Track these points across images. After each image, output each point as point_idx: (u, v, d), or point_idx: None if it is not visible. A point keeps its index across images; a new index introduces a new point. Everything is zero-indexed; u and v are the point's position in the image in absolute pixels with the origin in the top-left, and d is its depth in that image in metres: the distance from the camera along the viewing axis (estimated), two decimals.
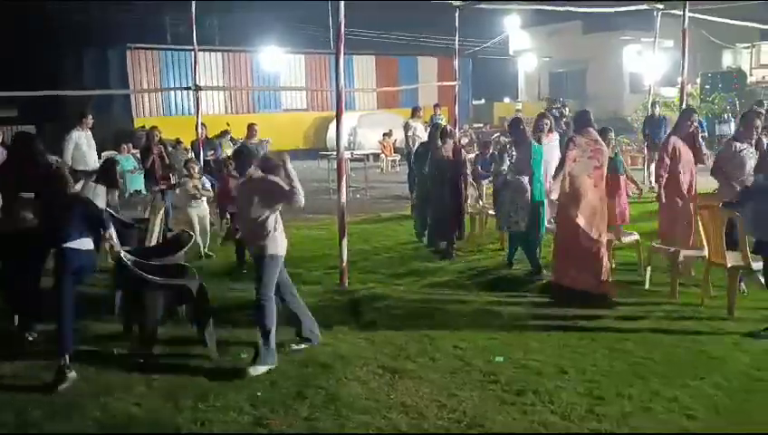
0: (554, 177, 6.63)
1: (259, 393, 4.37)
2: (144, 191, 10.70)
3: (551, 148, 8.11)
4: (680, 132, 6.98)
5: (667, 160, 6.80)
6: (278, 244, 4.95)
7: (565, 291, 6.45)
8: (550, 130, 8.13)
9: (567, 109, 14.66)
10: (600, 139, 6.62)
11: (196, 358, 5.00)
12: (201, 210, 8.44)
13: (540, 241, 7.35)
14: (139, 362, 4.93)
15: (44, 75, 19.97)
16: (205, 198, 8.49)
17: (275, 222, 4.93)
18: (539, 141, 7.65)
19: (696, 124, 7.07)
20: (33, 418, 4.15)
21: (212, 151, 11.60)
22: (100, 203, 6.85)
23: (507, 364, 4.77)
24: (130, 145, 14.95)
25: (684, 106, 9.01)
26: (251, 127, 11.28)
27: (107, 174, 7.12)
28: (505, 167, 7.23)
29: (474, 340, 5.25)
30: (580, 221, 6.41)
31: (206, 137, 11.72)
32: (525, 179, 7.12)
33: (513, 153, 7.20)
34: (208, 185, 8.74)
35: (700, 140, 7.17)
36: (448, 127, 8.68)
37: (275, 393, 4.38)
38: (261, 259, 4.89)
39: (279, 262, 4.96)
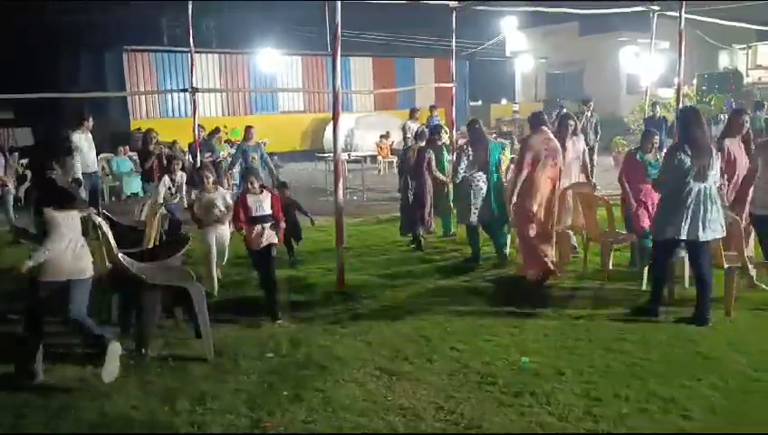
0: (514, 182, 6.93)
1: (256, 398, 4.37)
2: (141, 193, 10.69)
3: (578, 144, 8.12)
4: (734, 133, 6.51)
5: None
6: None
7: (528, 280, 6.92)
8: (574, 132, 7.83)
9: (565, 110, 14.69)
10: (553, 138, 6.98)
11: (193, 360, 4.99)
12: (222, 235, 6.85)
13: (504, 235, 7.88)
14: (135, 364, 4.91)
15: (41, 77, 19.90)
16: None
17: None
18: (563, 142, 7.30)
19: (747, 125, 6.58)
20: (28, 419, 4.14)
21: (209, 153, 11.59)
22: None
23: (504, 366, 4.77)
24: (127, 147, 14.96)
25: (680, 107, 9.03)
26: (248, 129, 11.28)
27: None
28: (463, 166, 7.59)
29: (471, 341, 5.25)
30: (540, 215, 6.83)
31: (203, 139, 11.70)
32: (482, 177, 7.53)
33: (470, 152, 7.60)
34: (230, 199, 6.93)
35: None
36: (421, 128, 9.55)
37: (272, 396, 4.37)
38: None
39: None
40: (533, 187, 6.77)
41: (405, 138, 13.37)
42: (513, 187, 6.88)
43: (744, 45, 24.27)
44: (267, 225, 6.09)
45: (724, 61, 25.99)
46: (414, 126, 13.30)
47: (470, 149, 7.63)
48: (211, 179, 6.88)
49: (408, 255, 8.45)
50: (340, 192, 6.95)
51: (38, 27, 23.34)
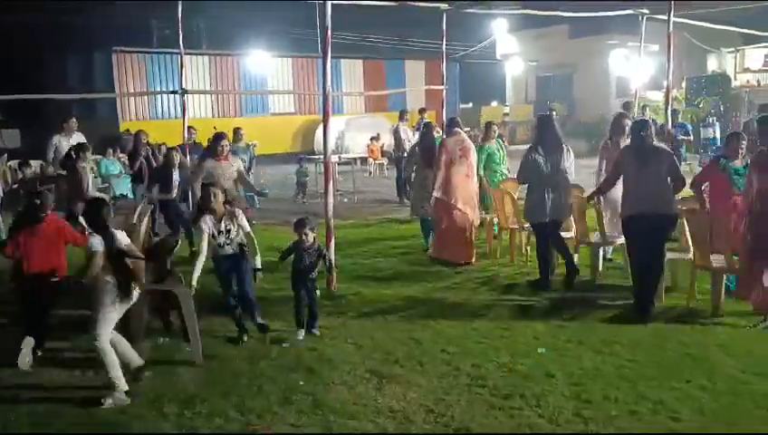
0: (434, 181, 7.82)
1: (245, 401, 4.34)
2: (131, 195, 10.61)
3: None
4: (732, 156, 6.25)
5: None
6: None
7: (442, 262, 7.81)
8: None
9: (555, 113, 14.75)
10: (467, 138, 8.10)
11: (182, 364, 4.96)
12: None
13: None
14: (123, 369, 4.87)
15: (29, 78, 19.79)
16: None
17: None
18: (618, 142, 7.12)
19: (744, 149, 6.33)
20: (16, 426, 4.10)
21: (198, 156, 11.53)
22: None
23: (495, 368, 4.77)
24: (118, 150, 14.85)
25: (669, 110, 9.09)
26: (237, 130, 11.25)
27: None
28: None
29: (461, 344, 5.25)
30: (459, 206, 7.77)
31: (194, 141, 11.63)
32: (430, 173, 8.07)
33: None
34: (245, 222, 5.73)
35: None
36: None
37: (262, 399, 4.35)
38: None
39: None
40: (450, 183, 7.75)
41: (398, 139, 13.41)
42: (434, 183, 7.81)
43: (733, 49, 24.45)
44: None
45: (712, 64, 26.16)
46: (402, 128, 13.36)
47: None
48: (219, 199, 6.96)
49: (399, 257, 8.44)
50: (331, 194, 6.93)
51: (26, 28, 23.18)
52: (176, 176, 8.60)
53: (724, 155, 6.44)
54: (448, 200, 7.79)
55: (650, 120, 6.68)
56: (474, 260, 7.86)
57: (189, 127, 11.38)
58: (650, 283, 5.79)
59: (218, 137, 7.44)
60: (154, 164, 9.88)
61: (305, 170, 13.86)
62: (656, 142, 5.97)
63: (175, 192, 8.59)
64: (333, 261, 6.23)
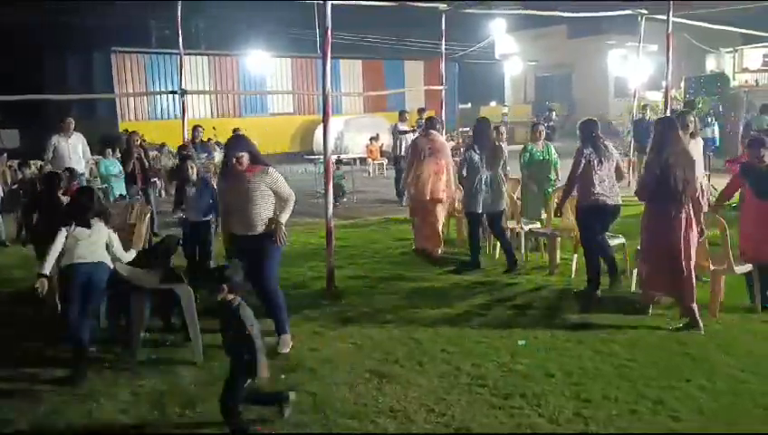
0: (405, 179, 8.65)
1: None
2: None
3: (697, 147, 8.16)
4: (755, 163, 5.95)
5: None
6: None
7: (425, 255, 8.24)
8: (692, 135, 7.76)
9: (554, 113, 14.75)
10: (439, 138, 8.42)
11: (183, 364, 4.96)
12: None
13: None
14: (124, 369, 4.88)
15: (28, 78, 19.76)
16: None
17: None
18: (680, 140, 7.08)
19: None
20: (17, 425, 4.11)
21: (206, 154, 11.51)
22: None
23: (495, 368, 4.78)
24: (117, 149, 14.86)
25: (668, 110, 9.10)
26: (235, 131, 11.24)
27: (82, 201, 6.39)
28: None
29: (461, 344, 5.26)
30: (427, 199, 8.18)
31: (201, 140, 11.60)
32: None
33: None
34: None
35: None
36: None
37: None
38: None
39: None
40: (420, 180, 8.18)
41: (396, 140, 13.43)
42: (406, 181, 8.56)
43: (731, 49, 24.47)
44: None
45: (711, 64, 26.20)
46: (402, 128, 13.37)
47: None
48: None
49: (399, 257, 8.45)
50: (330, 194, 6.94)
51: (25, 28, 23.16)
52: (192, 192, 6.85)
53: (747, 163, 6.14)
54: (417, 195, 8.28)
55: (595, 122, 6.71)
56: (439, 251, 8.30)
57: (196, 126, 11.39)
58: (597, 262, 6.50)
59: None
60: (147, 165, 9.92)
61: (342, 173, 13.65)
62: (606, 141, 6.58)
63: (205, 214, 6.84)
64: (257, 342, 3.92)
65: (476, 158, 7.46)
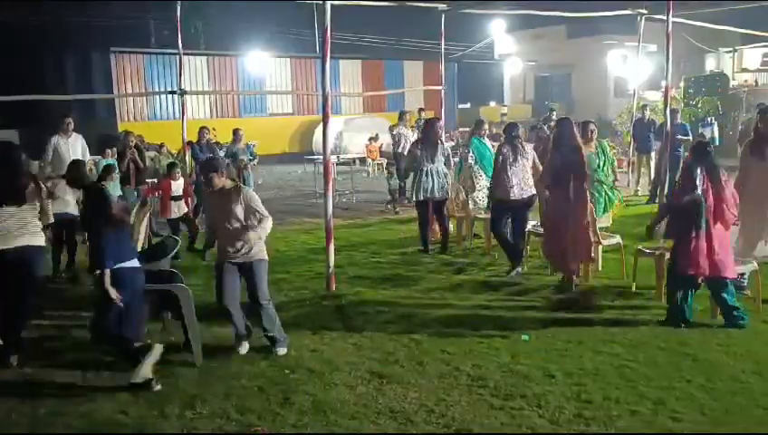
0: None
1: (244, 402, 4.34)
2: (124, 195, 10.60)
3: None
4: None
5: None
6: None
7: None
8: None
9: (555, 114, 14.77)
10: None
11: (182, 365, 4.96)
12: None
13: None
14: (123, 370, 4.87)
15: (27, 79, 19.73)
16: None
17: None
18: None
19: None
20: (16, 425, 4.10)
21: (211, 155, 11.44)
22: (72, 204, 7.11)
23: (495, 368, 4.78)
24: (114, 150, 14.82)
25: (668, 109, 9.09)
26: (236, 131, 11.26)
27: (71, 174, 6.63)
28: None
29: (461, 344, 5.25)
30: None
31: (207, 141, 11.53)
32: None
33: None
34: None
35: None
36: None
37: (262, 400, 4.35)
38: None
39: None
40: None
41: (394, 141, 13.43)
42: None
43: (731, 49, 24.46)
44: None
45: (710, 64, 26.17)
46: (402, 128, 13.37)
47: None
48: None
49: (398, 257, 8.44)
50: (330, 194, 6.94)
51: (25, 28, 23.14)
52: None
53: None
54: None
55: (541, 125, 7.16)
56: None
57: (203, 127, 11.35)
58: (519, 246, 7.43)
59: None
60: (142, 166, 9.93)
61: (394, 174, 12.56)
62: (523, 141, 7.56)
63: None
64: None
65: (419, 152, 8.41)
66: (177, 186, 8.92)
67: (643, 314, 5.93)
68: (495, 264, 7.86)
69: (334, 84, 24.38)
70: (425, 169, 8.35)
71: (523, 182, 7.26)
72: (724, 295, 5.50)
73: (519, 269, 7.35)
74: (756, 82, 23.26)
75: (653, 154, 13.03)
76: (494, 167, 7.41)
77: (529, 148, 7.57)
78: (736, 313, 5.49)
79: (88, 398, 4.42)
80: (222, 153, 11.36)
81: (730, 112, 19.39)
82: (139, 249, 6.22)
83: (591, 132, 7.91)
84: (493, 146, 9.07)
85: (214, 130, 14.31)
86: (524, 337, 5.33)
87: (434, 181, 8.36)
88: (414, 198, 8.52)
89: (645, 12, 11.06)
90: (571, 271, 6.72)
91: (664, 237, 6.21)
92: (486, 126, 9.65)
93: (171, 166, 9.27)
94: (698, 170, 5.48)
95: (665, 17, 8.91)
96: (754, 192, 6.52)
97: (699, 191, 5.43)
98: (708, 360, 4.85)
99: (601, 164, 7.84)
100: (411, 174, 8.62)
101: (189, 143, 10.72)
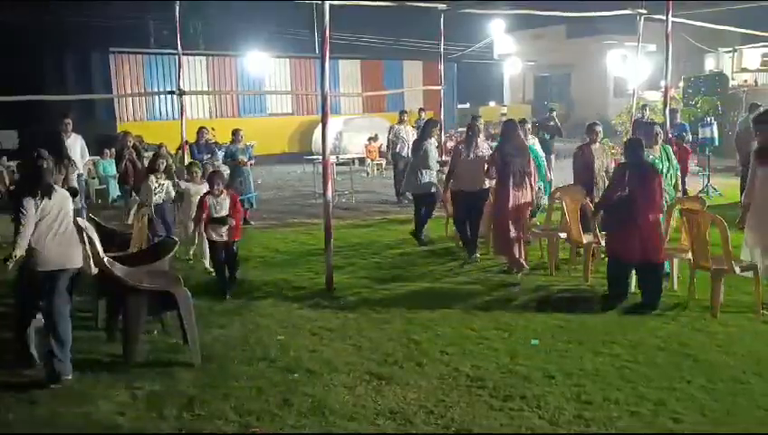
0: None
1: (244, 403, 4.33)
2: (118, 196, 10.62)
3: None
4: None
5: None
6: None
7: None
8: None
9: (555, 114, 14.75)
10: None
11: (180, 365, 4.94)
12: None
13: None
14: (122, 371, 4.86)
15: (27, 79, 19.71)
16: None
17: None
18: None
19: None
20: (14, 427, 4.08)
21: (209, 155, 11.46)
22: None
23: (494, 369, 4.76)
24: (113, 150, 14.84)
25: (668, 109, 9.08)
26: (235, 132, 11.24)
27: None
28: None
29: (461, 345, 5.24)
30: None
31: (206, 141, 11.51)
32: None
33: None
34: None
35: None
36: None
37: (261, 401, 4.33)
38: None
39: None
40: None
41: (391, 141, 13.45)
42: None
43: (730, 49, 24.44)
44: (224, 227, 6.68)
45: (709, 64, 26.16)
46: (401, 128, 13.36)
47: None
48: (221, 186, 6.84)
49: (398, 257, 8.43)
50: (329, 194, 6.92)
51: (24, 28, 23.13)
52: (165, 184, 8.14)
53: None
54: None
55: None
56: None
57: (202, 127, 11.35)
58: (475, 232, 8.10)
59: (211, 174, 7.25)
60: (139, 166, 9.92)
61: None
62: (483, 139, 8.35)
63: None
64: None
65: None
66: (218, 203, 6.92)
67: (643, 314, 5.91)
68: (496, 264, 7.85)
69: (333, 84, 24.35)
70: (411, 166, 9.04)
71: (472, 179, 7.89)
72: (653, 277, 6.06)
73: (476, 256, 8.02)
74: (756, 81, 23.24)
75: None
76: (451, 162, 8.27)
77: (484, 145, 8.24)
78: (658, 295, 6.03)
79: (86, 399, 4.40)
80: (221, 153, 11.37)
81: (729, 112, 19.38)
82: (137, 249, 6.23)
83: (657, 136, 7.17)
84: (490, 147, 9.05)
85: (213, 130, 14.31)
86: (534, 342, 5.28)
87: (423, 176, 8.86)
88: (405, 190, 9.24)
89: (644, 12, 11.03)
90: (513, 259, 7.34)
91: (600, 230, 6.78)
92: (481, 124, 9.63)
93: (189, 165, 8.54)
94: (627, 170, 6.07)
95: (664, 17, 8.90)
96: (762, 204, 6.07)
97: (627, 190, 5.98)
98: (709, 360, 4.83)
99: (665, 171, 6.94)
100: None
101: (188, 144, 10.69)
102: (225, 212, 6.71)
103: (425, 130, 9.26)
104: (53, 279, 4.62)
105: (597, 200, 6.94)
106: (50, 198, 4.62)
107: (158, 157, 8.43)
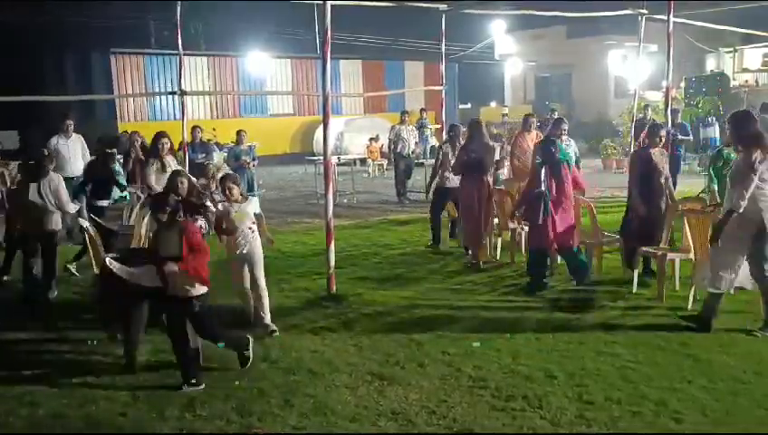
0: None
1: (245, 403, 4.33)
2: (128, 197, 10.59)
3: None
4: None
5: None
6: None
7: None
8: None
9: (556, 113, 14.75)
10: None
11: None
12: (252, 251, 5.76)
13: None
14: (123, 371, 4.86)
15: (27, 79, 19.72)
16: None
17: None
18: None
19: None
20: (15, 428, 4.09)
21: (204, 155, 11.48)
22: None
23: (496, 370, 4.76)
24: (114, 150, 14.80)
25: (669, 110, 9.07)
26: (239, 133, 11.29)
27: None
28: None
29: (462, 345, 5.24)
30: None
31: (201, 140, 11.57)
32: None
33: None
34: (258, 208, 6.06)
35: None
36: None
37: (263, 402, 4.34)
38: None
39: None
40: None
41: (392, 141, 13.46)
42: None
43: (731, 49, 24.43)
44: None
45: (711, 64, 26.14)
46: (404, 130, 13.37)
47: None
48: (236, 190, 5.69)
49: (399, 258, 8.43)
50: (330, 195, 6.92)
51: (24, 28, 23.13)
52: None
53: None
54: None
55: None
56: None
57: (195, 126, 11.38)
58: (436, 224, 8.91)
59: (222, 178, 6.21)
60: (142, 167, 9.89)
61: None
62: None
63: None
64: None
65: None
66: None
67: (644, 314, 5.92)
68: (496, 264, 7.85)
69: (335, 85, 24.36)
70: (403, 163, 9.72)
71: (453, 176, 8.37)
72: (572, 256, 6.84)
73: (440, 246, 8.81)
74: (757, 82, 23.24)
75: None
76: (435, 162, 8.98)
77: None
78: (583, 267, 6.84)
79: (88, 399, 4.40)
80: (224, 154, 11.38)
81: (731, 112, 19.38)
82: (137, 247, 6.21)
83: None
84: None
85: (214, 130, 14.34)
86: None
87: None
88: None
89: (645, 12, 11.01)
90: (476, 251, 7.84)
91: (522, 221, 7.45)
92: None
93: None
94: (543, 169, 6.61)
95: (665, 17, 8.89)
96: None
97: (543, 187, 6.56)
98: (710, 360, 4.83)
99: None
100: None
101: (186, 144, 10.67)
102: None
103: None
104: None
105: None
106: None
107: (179, 175, 6.23)
